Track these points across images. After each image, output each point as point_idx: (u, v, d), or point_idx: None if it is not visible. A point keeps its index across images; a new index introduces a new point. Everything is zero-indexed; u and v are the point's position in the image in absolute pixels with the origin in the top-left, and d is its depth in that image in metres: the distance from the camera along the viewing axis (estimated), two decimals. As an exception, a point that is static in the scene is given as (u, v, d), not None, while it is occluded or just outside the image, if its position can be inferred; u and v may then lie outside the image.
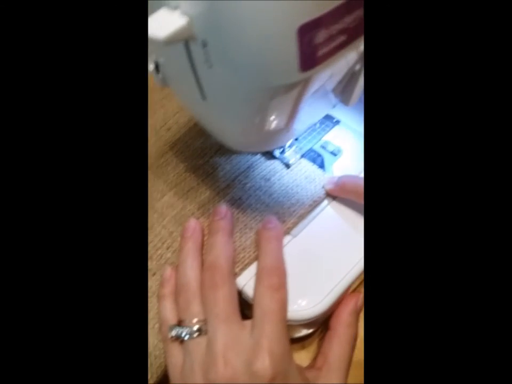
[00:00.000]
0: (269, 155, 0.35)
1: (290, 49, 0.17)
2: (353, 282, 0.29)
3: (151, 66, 0.24)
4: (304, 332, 0.31)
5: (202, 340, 0.25)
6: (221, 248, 0.28)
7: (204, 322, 0.26)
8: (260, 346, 0.24)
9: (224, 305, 0.26)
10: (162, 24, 0.17)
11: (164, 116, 0.39)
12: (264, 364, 0.23)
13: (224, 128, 0.26)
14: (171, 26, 0.17)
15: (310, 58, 0.18)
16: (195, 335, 0.25)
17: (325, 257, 0.30)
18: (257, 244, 0.30)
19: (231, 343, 0.24)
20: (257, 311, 0.25)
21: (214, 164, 0.35)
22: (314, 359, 0.28)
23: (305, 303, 0.28)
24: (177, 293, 0.28)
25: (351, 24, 0.18)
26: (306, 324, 0.29)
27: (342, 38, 0.18)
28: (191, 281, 0.28)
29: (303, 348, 0.32)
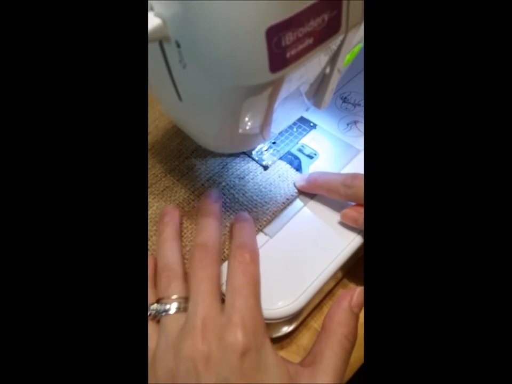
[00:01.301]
0: (246, 157, 0.36)
1: (260, 51, 0.18)
2: (329, 281, 0.30)
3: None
4: (282, 331, 0.32)
5: (180, 317, 0.25)
6: (212, 230, 0.29)
7: (184, 300, 0.26)
8: (231, 320, 0.23)
9: (210, 283, 0.26)
10: (136, 24, 0.18)
11: (145, 122, 0.40)
12: (235, 337, 0.23)
13: (201, 129, 0.27)
14: (145, 27, 0.18)
15: (279, 60, 0.18)
16: (173, 311, 0.25)
17: (301, 257, 0.30)
18: (232, 234, 0.31)
19: (210, 320, 0.24)
20: (228, 288, 0.26)
21: (189, 165, 0.36)
22: (304, 358, 0.26)
23: (281, 301, 0.28)
24: (158, 275, 0.28)
25: (318, 27, 0.19)
26: (283, 322, 0.29)
27: (309, 41, 0.19)
28: (172, 262, 0.28)
29: (281, 348, 0.33)
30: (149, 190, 0.35)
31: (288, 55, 0.18)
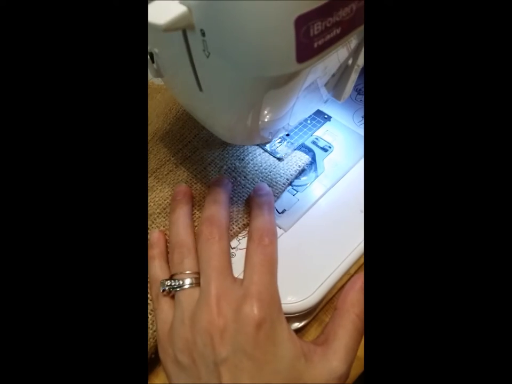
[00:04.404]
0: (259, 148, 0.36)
1: (287, 40, 0.17)
2: (343, 277, 0.30)
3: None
4: (293, 326, 0.32)
5: (195, 292, 0.25)
6: (220, 205, 0.29)
7: (197, 275, 0.26)
8: (249, 293, 0.24)
9: (220, 258, 0.26)
10: (162, 11, 0.17)
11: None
12: (252, 308, 0.23)
13: (218, 120, 0.26)
14: (171, 14, 0.17)
15: (307, 50, 0.18)
16: (187, 286, 0.26)
17: (316, 252, 0.30)
18: (250, 209, 0.31)
19: (224, 294, 0.24)
20: (247, 266, 0.26)
21: (192, 148, 0.36)
22: (317, 336, 0.26)
23: (296, 296, 0.28)
24: (171, 251, 0.28)
25: (346, 17, 0.18)
26: (297, 317, 0.29)
27: (337, 30, 0.18)
28: (185, 238, 0.28)
29: (292, 342, 0.33)
30: (154, 174, 0.35)
31: (315, 45, 0.18)
